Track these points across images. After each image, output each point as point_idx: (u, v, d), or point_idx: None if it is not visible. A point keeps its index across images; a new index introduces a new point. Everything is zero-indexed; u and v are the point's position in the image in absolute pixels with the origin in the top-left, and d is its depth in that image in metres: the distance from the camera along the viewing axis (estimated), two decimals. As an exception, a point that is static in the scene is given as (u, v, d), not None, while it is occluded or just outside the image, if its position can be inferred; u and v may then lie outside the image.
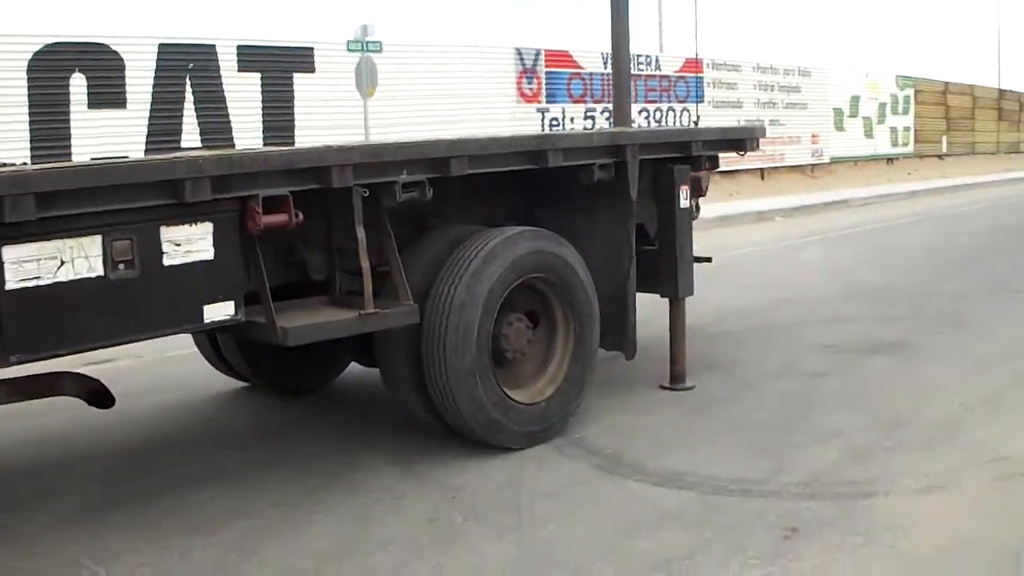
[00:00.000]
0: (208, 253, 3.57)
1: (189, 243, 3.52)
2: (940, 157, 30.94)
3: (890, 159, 28.47)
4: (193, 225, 3.52)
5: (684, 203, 5.43)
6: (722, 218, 15.33)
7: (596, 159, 4.88)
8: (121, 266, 3.34)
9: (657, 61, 21.39)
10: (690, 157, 5.49)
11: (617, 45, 10.19)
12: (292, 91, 14.65)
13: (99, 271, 3.30)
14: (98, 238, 3.28)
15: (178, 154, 4.20)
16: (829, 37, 37.82)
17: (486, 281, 4.31)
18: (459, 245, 4.45)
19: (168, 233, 3.46)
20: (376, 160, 3.97)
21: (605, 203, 5.13)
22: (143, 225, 3.39)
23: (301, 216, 3.72)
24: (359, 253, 3.94)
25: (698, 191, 5.71)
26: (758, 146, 6.12)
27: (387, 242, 4.18)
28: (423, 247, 4.53)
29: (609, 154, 4.96)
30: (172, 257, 3.48)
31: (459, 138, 4.61)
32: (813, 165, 24.92)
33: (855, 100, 26.68)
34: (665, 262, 5.47)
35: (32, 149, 11.42)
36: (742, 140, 5.99)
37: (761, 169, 22.71)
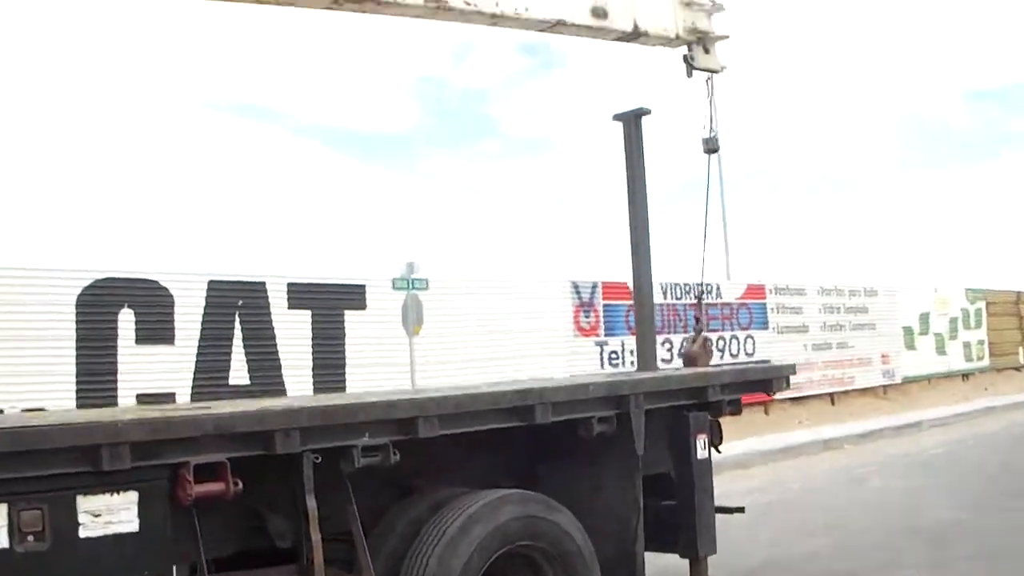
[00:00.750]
0: (132, 524, 3.24)
1: (110, 514, 3.20)
2: (1018, 369, 29.70)
3: (965, 375, 27.37)
4: (114, 495, 3.20)
5: (702, 453, 4.96)
6: (786, 449, 14.58)
7: (595, 411, 4.49)
8: (30, 538, 3.03)
9: (718, 288, 21.26)
10: (707, 403, 5.07)
11: (638, 287, 9.98)
12: (343, 328, 14.71)
13: (3, 543, 2.99)
14: (3, 507, 2.99)
15: (99, 416, 3.94)
16: (894, 255, 37.68)
17: (463, 551, 3.85)
18: (439, 510, 4.03)
19: (86, 503, 3.15)
20: (328, 423, 3.64)
21: (610, 457, 4.70)
22: (56, 494, 3.09)
23: (240, 484, 3.37)
24: (308, 524, 3.55)
25: (718, 437, 5.25)
26: (788, 385, 5.68)
27: (348, 510, 3.79)
28: (402, 512, 4.13)
29: (610, 405, 4.58)
30: (89, 528, 3.15)
31: (430, 396, 4.28)
32: (885, 386, 24.03)
33: (925, 317, 26.03)
34: (683, 518, 4.94)
35: (78, 385, 11.49)
36: (767, 381, 5.56)
37: (831, 394, 21.92)
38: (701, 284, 9.44)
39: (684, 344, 10.80)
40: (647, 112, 9.78)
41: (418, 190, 37.30)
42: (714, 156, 9.54)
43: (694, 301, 19.08)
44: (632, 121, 9.72)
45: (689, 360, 9.08)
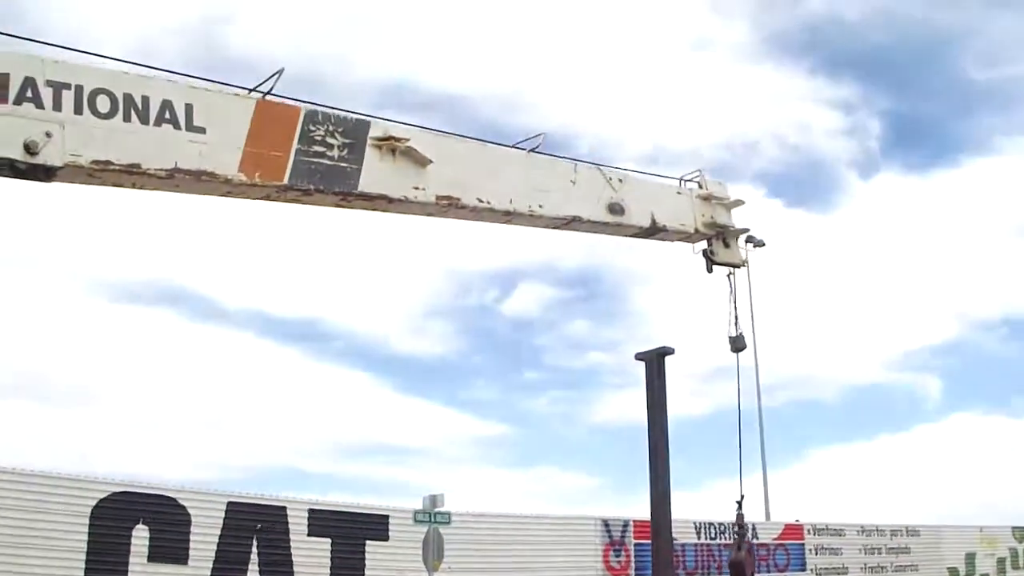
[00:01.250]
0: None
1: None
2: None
3: (1014, 615, 25.43)
4: None
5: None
6: None
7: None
8: None
9: (755, 529, 20.41)
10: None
11: (656, 528, 9.72)
12: (363, 559, 14.17)
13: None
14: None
15: None
16: (937, 493, 36.28)
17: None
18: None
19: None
20: None
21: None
22: None
23: None
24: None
25: None
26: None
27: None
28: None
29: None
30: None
31: None
32: (931, 628, 22.35)
33: (971, 558, 24.66)
34: None
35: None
36: None
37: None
38: (740, 491, 9.11)
39: (730, 552, 10.31)
40: (670, 352, 9.83)
41: (458, 420, 37.12)
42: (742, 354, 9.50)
43: (729, 541, 18.30)
44: (655, 361, 9.78)
45: (735, 567, 8.63)
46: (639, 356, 9.95)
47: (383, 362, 40.55)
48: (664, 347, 9.81)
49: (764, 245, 32.70)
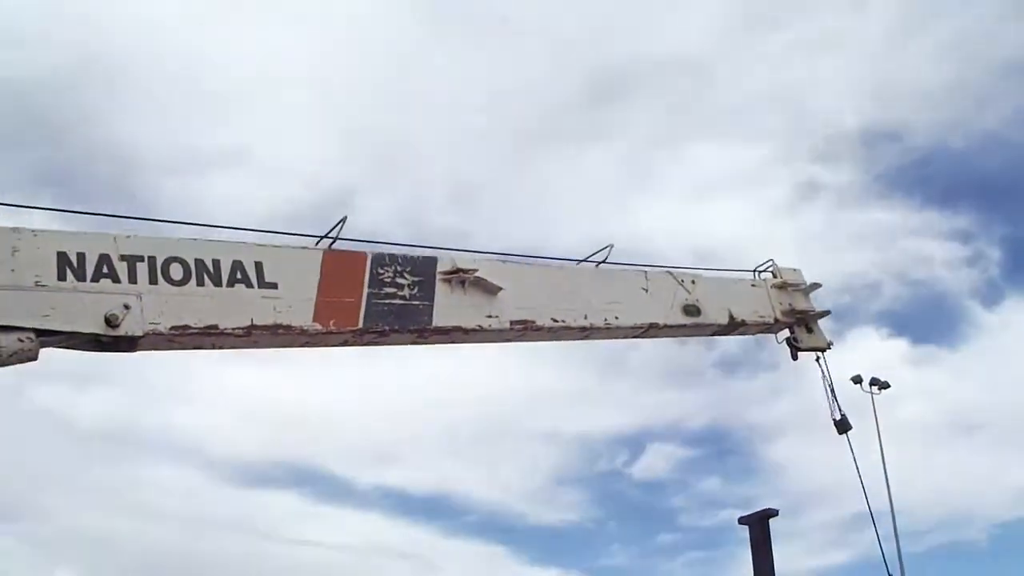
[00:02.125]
0: None
1: None
2: None
3: None
4: None
5: None
6: None
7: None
8: None
9: None
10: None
11: None
12: None
13: None
14: None
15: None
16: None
17: None
18: None
19: None
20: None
21: None
22: None
23: None
24: None
25: None
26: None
27: None
28: None
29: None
30: None
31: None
32: None
33: None
34: None
35: None
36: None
37: None
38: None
39: None
40: (774, 514, 9.48)
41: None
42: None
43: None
44: (758, 524, 9.48)
45: None
46: (742, 520, 9.61)
47: (518, 533, 40.12)
48: (768, 509, 9.47)
49: (889, 386, 32.17)
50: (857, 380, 31.53)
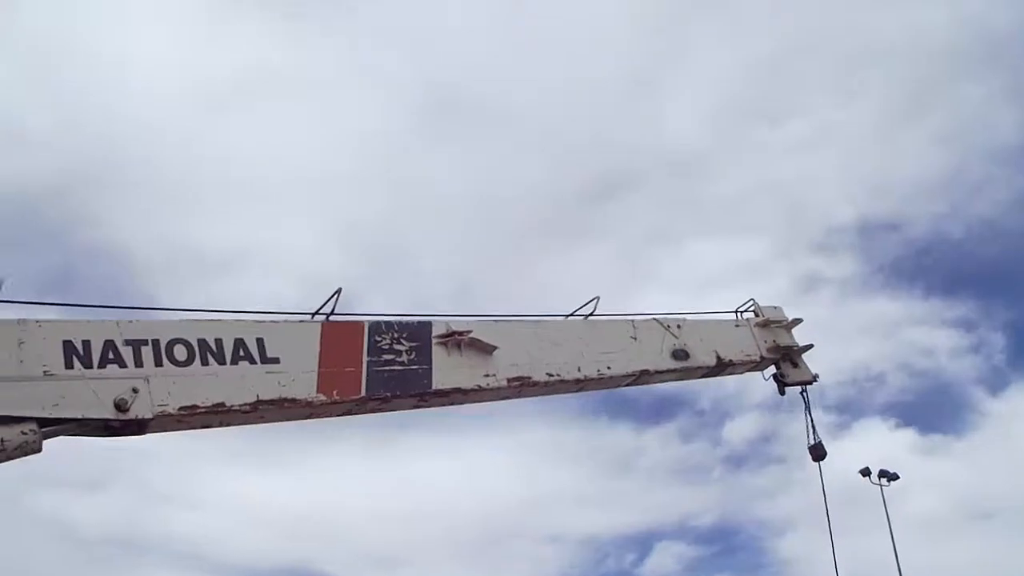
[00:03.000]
0: None
1: None
2: None
3: None
4: None
5: None
6: None
7: None
8: None
9: None
10: None
11: None
12: None
13: None
14: None
15: None
16: None
17: None
18: None
19: None
20: None
21: None
22: None
23: None
24: None
25: None
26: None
27: None
28: None
29: None
30: None
31: None
32: None
33: None
34: None
35: None
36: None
37: None
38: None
39: None
40: None
41: None
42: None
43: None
44: None
45: None
46: None
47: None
48: None
49: (898, 478, 31.90)
50: (866, 473, 31.20)
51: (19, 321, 6.28)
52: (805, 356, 9.53)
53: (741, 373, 9.24)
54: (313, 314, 7.06)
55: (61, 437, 6.33)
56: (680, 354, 8.57)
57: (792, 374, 9.37)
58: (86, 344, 6.33)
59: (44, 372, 6.15)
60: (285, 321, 6.96)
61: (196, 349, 6.54)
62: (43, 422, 6.10)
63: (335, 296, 7.01)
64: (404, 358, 7.11)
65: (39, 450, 6.07)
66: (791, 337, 9.43)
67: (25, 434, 5.95)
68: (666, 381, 8.76)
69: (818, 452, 9.30)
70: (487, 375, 7.36)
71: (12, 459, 6.03)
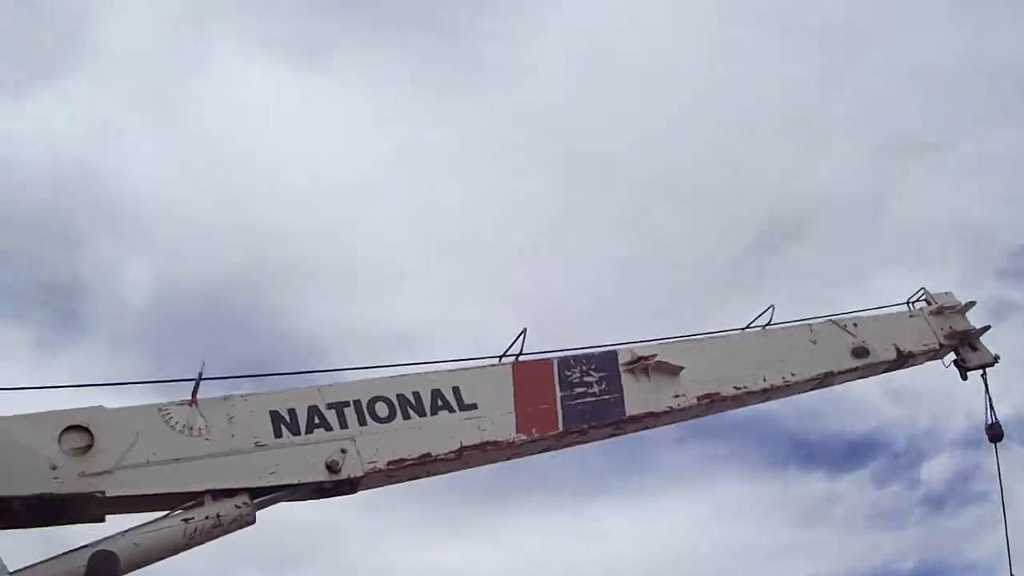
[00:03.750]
0: None
1: None
2: None
3: None
4: None
5: None
6: None
7: None
8: None
9: None
10: None
11: None
12: None
13: None
14: None
15: None
16: None
17: None
18: None
19: None
20: None
21: None
22: None
23: None
24: None
25: None
26: None
27: None
28: None
29: None
30: None
31: None
32: None
33: None
34: None
35: None
36: None
37: None
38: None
39: None
40: None
41: None
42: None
43: None
44: None
45: None
46: None
47: None
48: None
49: None
50: None
51: (225, 398, 6.48)
52: (983, 338, 9.27)
53: (922, 363, 9.03)
54: (501, 357, 7.11)
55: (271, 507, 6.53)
56: (860, 352, 8.43)
57: (972, 358, 9.15)
58: (291, 412, 6.49)
59: (255, 443, 6.32)
60: (477, 368, 7.02)
61: (396, 405, 6.64)
62: (255, 493, 6.30)
63: (521, 337, 7.06)
64: (595, 389, 7.12)
65: (253, 522, 6.20)
66: (967, 321, 9.21)
67: (239, 507, 6.11)
68: (849, 380, 8.63)
69: (995, 432, 9.11)
70: (676, 396, 7.32)
71: (228, 533, 6.15)
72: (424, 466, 6.63)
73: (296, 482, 6.32)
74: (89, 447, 5.98)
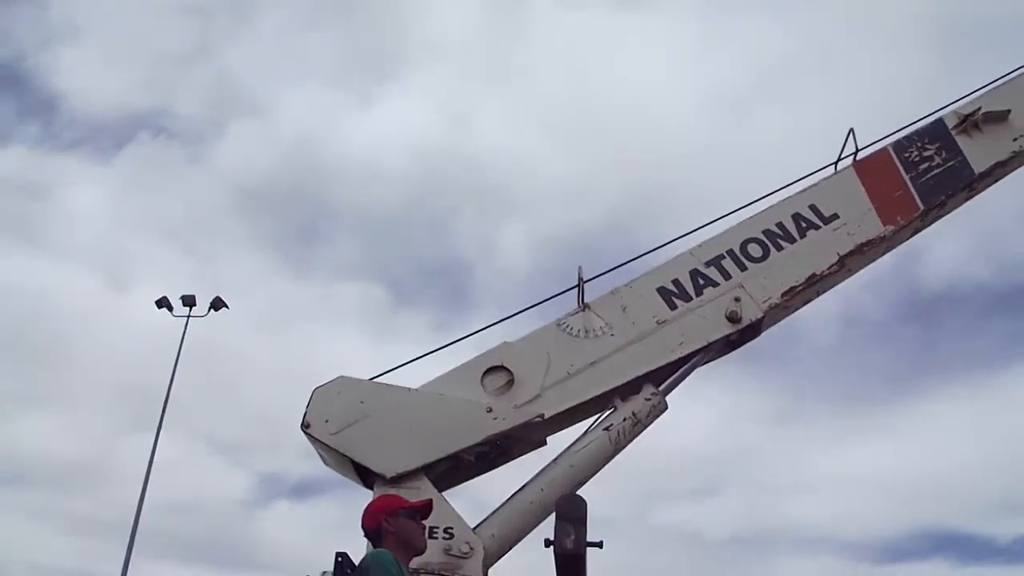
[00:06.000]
0: None
1: None
2: None
3: None
4: None
5: None
6: None
7: None
8: None
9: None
10: None
11: None
12: None
13: None
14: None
15: None
16: None
17: None
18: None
19: None
20: None
21: None
22: None
23: None
24: None
25: None
26: None
27: None
28: None
29: None
30: None
31: None
32: None
33: None
34: None
35: None
36: None
37: None
38: None
39: None
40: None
41: None
42: None
43: None
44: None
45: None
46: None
47: None
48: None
49: None
50: None
51: (612, 292, 6.87)
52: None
53: None
54: (836, 163, 7.25)
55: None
56: None
57: None
58: (676, 283, 6.81)
59: (657, 322, 6.68)
60: (821, 182, 7.20)
61: (767, 240, 6.90)
62: (658, 380, 6.56)
63: (850, 136, 7.16)
64: (937, 160, 7.13)
65: (666, 408, 6.50)
66: None
67: (649, 398, 6.45)
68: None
69: None
70: (1015, 138, 7.27)
71: (647, 427, 6.46)
72: (813, 287, 6.87)
73: (706, 343, 6.65)
74: (510, 382, 6.43)
